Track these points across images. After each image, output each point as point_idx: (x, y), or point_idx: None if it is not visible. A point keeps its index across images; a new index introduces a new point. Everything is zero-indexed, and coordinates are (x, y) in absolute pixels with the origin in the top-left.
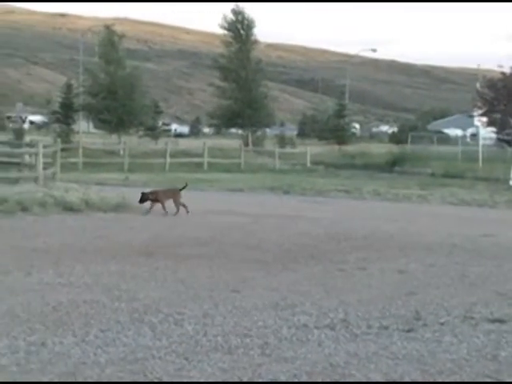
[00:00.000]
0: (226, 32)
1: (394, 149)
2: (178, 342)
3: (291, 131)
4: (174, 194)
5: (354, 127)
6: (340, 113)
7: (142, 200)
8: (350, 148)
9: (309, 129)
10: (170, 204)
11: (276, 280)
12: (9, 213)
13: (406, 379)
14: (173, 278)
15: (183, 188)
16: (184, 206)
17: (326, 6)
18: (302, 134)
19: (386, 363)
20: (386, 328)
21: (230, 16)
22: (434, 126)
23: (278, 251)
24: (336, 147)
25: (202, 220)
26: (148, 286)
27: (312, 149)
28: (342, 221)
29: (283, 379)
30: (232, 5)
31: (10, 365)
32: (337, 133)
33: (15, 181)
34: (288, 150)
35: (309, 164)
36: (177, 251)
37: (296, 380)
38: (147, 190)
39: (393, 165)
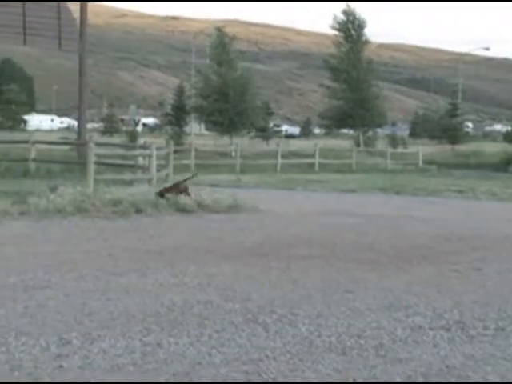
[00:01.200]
0: (336, 32)
1: (509, 148)
2: (292, 342)
3: (403, 131)
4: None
5: (467, 126)
6: (452, 112)
7: (162, 195)
8: (462, 147)
9: (421, 128)
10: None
11: (389, 281)
12: (123, 214)
13: None
14: (286, 278)
15: (188, 179)
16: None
17: (438, 5)
18: (413, 133)
19: (504, 365)
20: (503, 329)
21: (341, 16)
22: None
23: (390, 252)
24: (448, 147)
25: (315, 221)
26: (261, 287)
27: (424, 149)
28: (455, 221)
29: (398, 380)
30: (343, 5)
31: (127, 365)
32: (449, 132)
33: (129, 183)
34: (400, 150)
35: (421, 164)
36: (290, 252)
37: (411, 380)
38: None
39: (507, 164)
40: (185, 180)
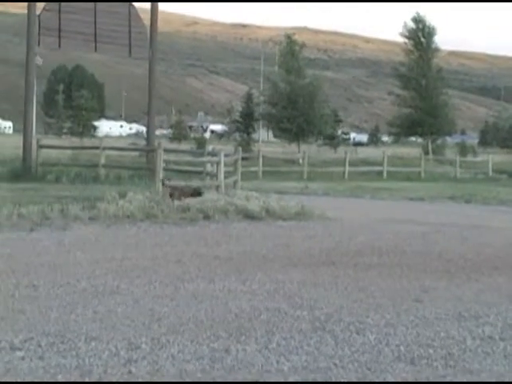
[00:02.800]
0: (406, 40)
1: None
2: (360, 351)
3: (472, 139)
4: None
5: None
6: None
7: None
8: None
9: (491, 137)
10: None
11: (459, 290)
12: (192, 221)
13: None
14: (354, 286)
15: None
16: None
17: (510, 12)
18: (483, 142)
19: None
20: None
21: (411, 24)
22: None
23: (460, 261)
24: None
25: (383, 229)
26: (329, 295)
27: (494, 157)
28: None
29: None
30: (413, 13)
31: (195, 371)
32: None
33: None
34: (469, 158)
35: (491, 173)
36: (357, 260)
37: None
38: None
39: None
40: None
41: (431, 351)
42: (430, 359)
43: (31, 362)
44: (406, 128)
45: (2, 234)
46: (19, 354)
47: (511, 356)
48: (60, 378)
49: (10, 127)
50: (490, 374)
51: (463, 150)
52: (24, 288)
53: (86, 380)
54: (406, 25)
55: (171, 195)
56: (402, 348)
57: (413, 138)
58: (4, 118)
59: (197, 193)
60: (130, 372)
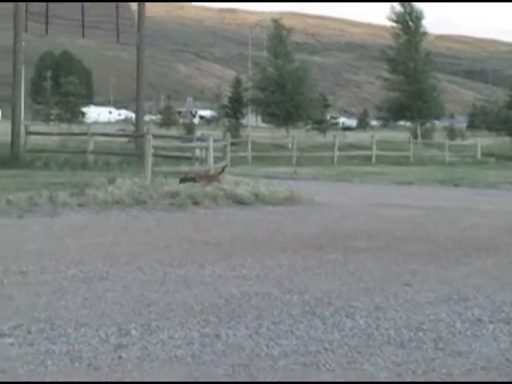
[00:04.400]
0: (394, 24)
1: None
2: (349, 335)
3: (461, 123)
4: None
5: None
6: (511, 104)
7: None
8: None
9: (479, 120)
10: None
11: (448, 273)
12: (181, 206)
13: None
14: (343, 270)
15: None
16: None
17: None
18: (471, 125)
19: None
20: None
21: (399, 8)
22: None
23: (449, 244)
24: (507, 139)
25: (372, 213)
26: (318, 279)
27: (483, 141)
28: None
29: (457, 373)
30: None
31: (186, 356)
32: (508, 124)
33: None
34: (458, 142)
35: (479, 156)
36: (347, 244)
37: (471, 375)
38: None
39: None
40: (222, 170)
41: (421, 334)
42: (419, 342)
43: (20, 348)
44: (394, 112)
45: None
46: (8, 340)
47: (500, 338)
48: (50, 364)
49: None
50: (479, 356)
51: (452, 133)
52: (13, 274)
53: (76, 365)
54: (393, 8)
55: (197, 180)
56: (391, 331)
57: (401, 122)
58: None
59: (222, 170)
60: (120, 357)
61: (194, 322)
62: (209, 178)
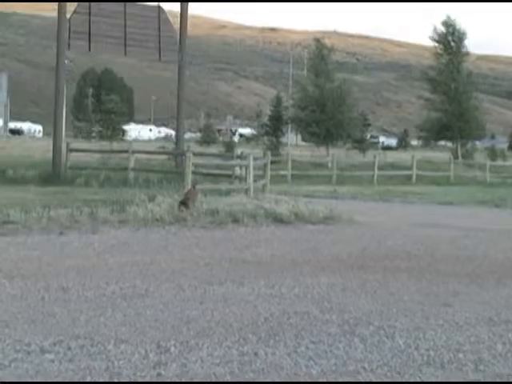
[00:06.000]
0: (436, 44)
1: None
2: (389, 355)
3: (502, 144)
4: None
5: None
6: None
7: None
8: None
9: None
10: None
11: (489, 294)
12: (220, 224)
13: None
14: (383, 290)
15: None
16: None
17: None
18: None
19: None
20: None
21: (441, 28)
22: None
23: (490, 265)
24: None
25: (412, 233)
26: (358, 299)
27: None
28: None
29: None
30: (443, 17)
31: (225, 374)
32: None
33: (226, 192)
34: (499, 162)
35: None
36: (386, 264)
37: None
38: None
39: None
40: (193, 187)
41: (461, 355)
42: (459, 363)
43: (61, 364)
44: (435, 132)
45: (31, 236)
46: (49, 356)
47: None
48: (89, 380)
49: (39, 131)
50: None
51: (493, 154)
52: (54, 291)
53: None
54: (435, 29)
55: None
56: (431, 352)
57: (442, 142)
58: (34, 122)
59: (193, 187)
60: (159, 374)
61: (232, 340)
62: (188, 197)
